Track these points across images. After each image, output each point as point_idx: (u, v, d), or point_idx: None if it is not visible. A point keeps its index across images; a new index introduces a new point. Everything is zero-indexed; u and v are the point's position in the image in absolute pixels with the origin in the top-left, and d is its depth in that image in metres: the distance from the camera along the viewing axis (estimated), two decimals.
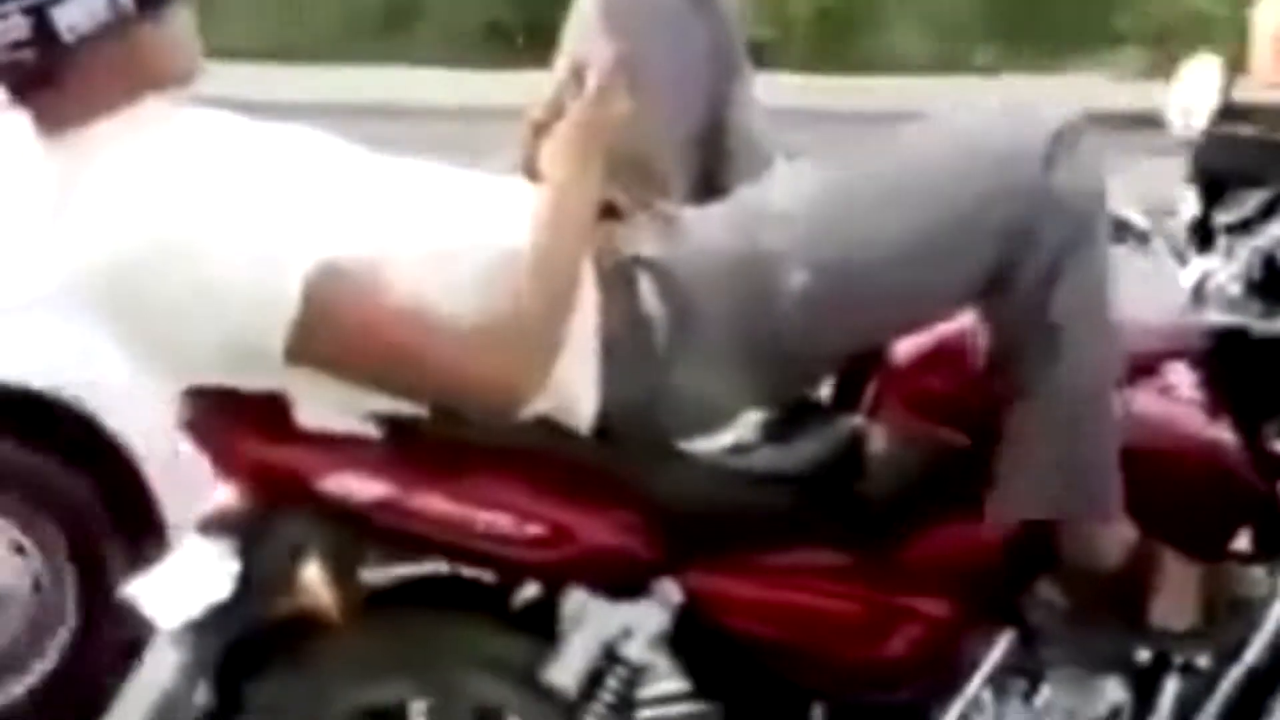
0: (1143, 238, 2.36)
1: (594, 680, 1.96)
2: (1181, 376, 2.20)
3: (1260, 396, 2.26)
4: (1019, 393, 2.01)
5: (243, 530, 1.87)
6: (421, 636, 1.98)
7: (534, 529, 1.90)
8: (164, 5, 1.80)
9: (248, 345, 1.72)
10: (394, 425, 1.86)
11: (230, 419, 1.85)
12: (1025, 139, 1.95)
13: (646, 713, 2.08)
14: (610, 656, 1.96)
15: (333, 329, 1.73)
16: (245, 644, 1.89)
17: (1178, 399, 2.19)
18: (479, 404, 1.80)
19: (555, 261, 1.82)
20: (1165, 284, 2.34)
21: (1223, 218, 2.34)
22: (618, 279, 1.90)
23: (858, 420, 2.14)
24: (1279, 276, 2.23)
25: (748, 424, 2.12)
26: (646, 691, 2.08)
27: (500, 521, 1.89)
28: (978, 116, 2.14)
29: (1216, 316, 2.25)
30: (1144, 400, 2.15)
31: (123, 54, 1.79)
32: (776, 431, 2.13)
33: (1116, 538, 2.10)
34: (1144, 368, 2.17)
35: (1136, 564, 2.12)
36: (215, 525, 1.88)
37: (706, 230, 1.96)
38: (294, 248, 1.71)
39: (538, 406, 1.85)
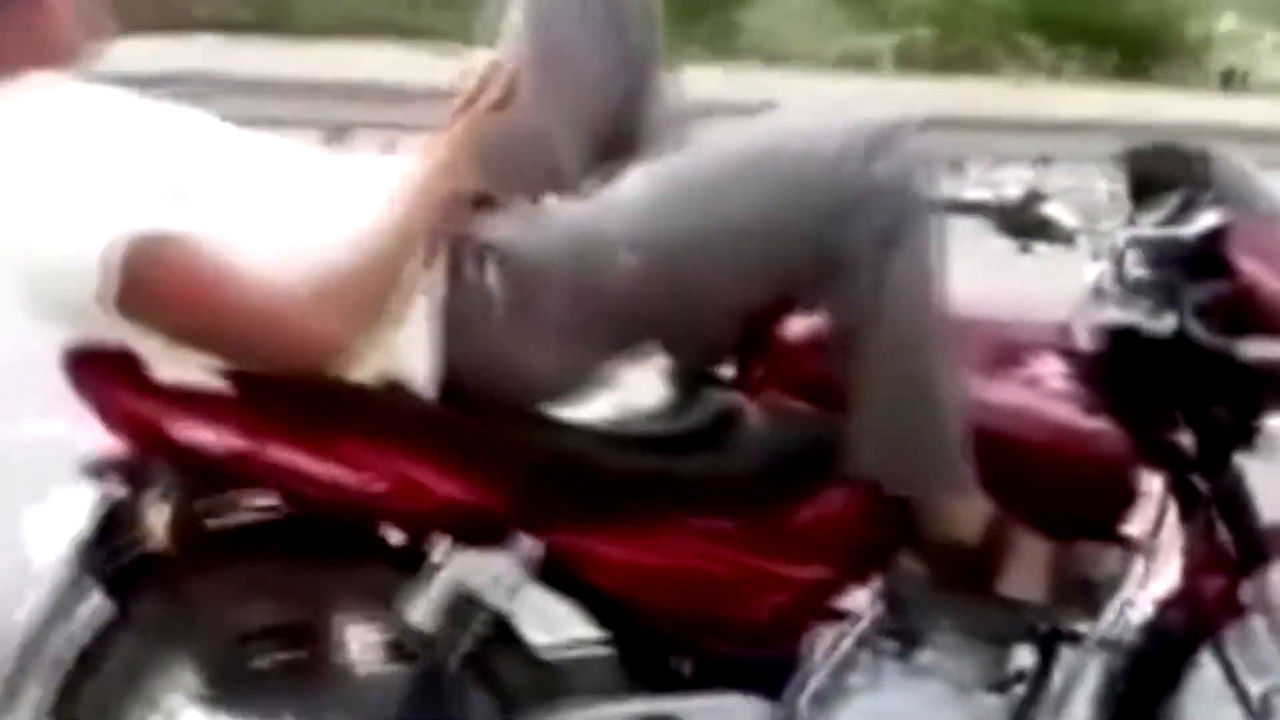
0: (1068, 238, 2.36)
1: (455, 622, 2.08)
2: (1050, 368, 2.23)
3: (1153, 391, 2.27)
4: (855, 374, 2.06)
5: (118, 475, 2.04)
6: (297, 569, 2.12)
7: (377, 484, 2.02)
8: None
9: (68, 306, 1.87)
10: (248, 381, 2.00)
11: (104, 371, 2.01)
12: (851, 135, 2.00)
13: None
14: (469, 601, 2.08)
15: (151, 293, 1.86)
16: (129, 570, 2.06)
17: (1043, 389, 2.22)
18: (292, 363, 1.92)
19: (391, 235, 1.93)
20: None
21: (1144, 220, 2.34)
22: (468, 259, 2.00)
23: (737, 396, 2.21)
24: (1163, 276, 2.23)
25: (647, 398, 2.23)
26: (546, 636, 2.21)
27: (342, 476, 2.01)
28: (811, 114, 2.18)
29: (1110, 315, 2.26)
30: (1009, 388, 2.21)
31: (10, 30, 1.95)
32: (665, 405, 2.23)
33: (970, 512, 2.14)
34: (1013, 358, 2.23)
35: (991, 538, 2.15)
36: (94, 469, 2.05)
37: (560, 217, 2.04)
38: (118, 216, 1.84)
39: (370, 368, 1.96)
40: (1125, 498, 2.24)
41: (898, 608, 2.22)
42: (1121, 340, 2.24)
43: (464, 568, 2.07)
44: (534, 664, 2.17)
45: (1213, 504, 2.34)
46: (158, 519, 1.97)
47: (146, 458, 2.03)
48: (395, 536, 2.13)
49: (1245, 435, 2.30)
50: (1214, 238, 2.21)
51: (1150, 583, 2.35)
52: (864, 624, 2.21)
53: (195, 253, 1.88)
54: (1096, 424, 2.20)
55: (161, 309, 1.88)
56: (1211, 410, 2.28)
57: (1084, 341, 2.26)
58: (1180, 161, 2.30)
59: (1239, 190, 2.26)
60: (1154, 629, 2.38)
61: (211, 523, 2.04)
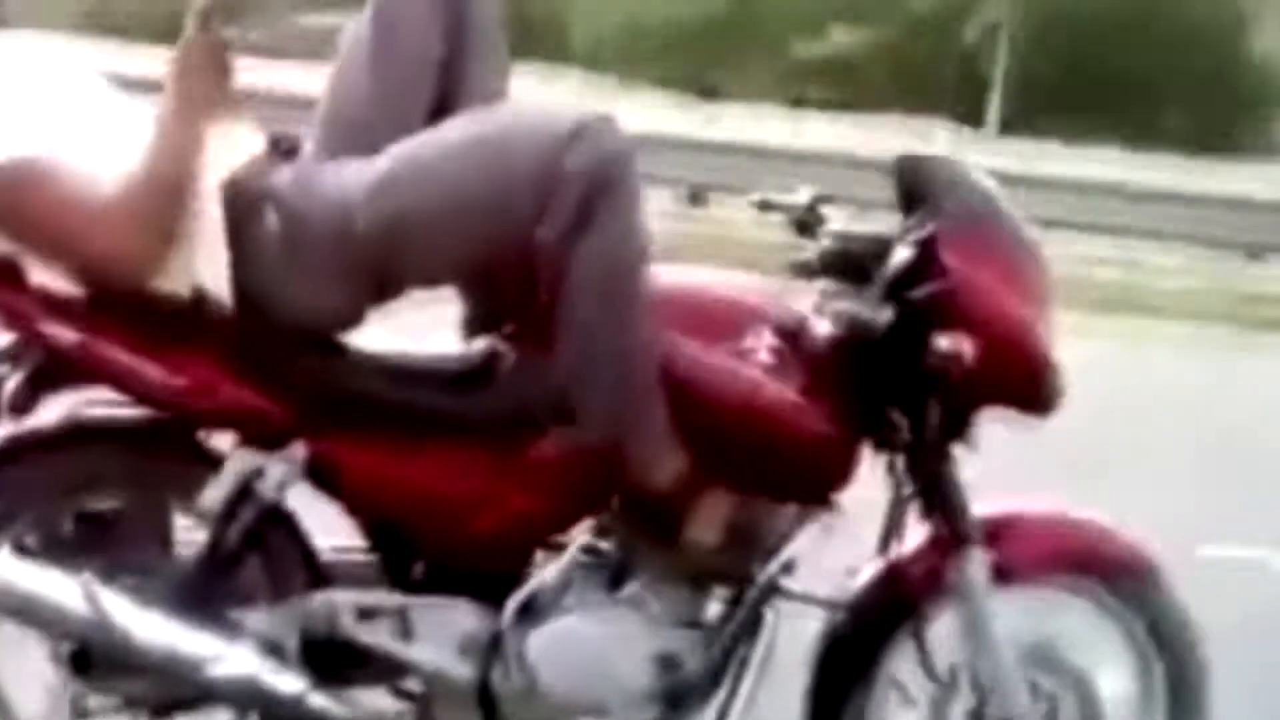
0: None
1: (234, 509, 2.58)
2: (764, 342, 2.59)
3: (874, 380, 2.64)
4: (562, 333, 2.49)
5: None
6: (124, 462, 2.65)
7: (178, 381, 2.53)
8: None
9: None
10: (98, 292, 2.53)
11: None
12: (552, 126, 2.44)
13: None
14: (246, 492, 2.57)
15: (11, 207, 2.43)
16: None
17: (748, 359, 2.58)
18: (107, 273, 2.46)
19: (157, 159, 2.41)
20: None
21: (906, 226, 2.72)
22: (250, 198, 2.51)
23: (503, 345, 2.67)
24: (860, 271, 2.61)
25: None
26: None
27: (154, 373, 2.52)
28: (530, 106, 2.62)
29: (839, 306, 2.64)
30: (717, 355, 2.58)
31: None
32: (444, 348, 2.70)
33: (665, 463, 2.54)
34: (733, 331, 2.60)
35: (681, 487, 2.56)
36: None
37: (330, 175, 2.54)
38: None
39: (179, 283, 2.49)
40: (821, 467, 2.60)
41: (608, 544, 2.63)
42: (850, 330, 2.60)
43: (244, 463, 2.57)
44: (301, 550, 2.65)
45: (924, 487, 2.69)
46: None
47: (23, 345, 2.58)
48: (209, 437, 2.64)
49: (957, 426, 2.66)
50: (929, 241, 2.59)
51: (877, 553, 2.72)
52: (576, 554, 2.62)
53: (41, 178, 2.43)
54: (789, 396, 2.56)
55: (5, 223, 2.45)
56: (925, 401, 2.62)
57: (817, 326, 2.62)
58: (927, 170, 2.67)
59: (956, 195, 2.62)
60: (865, 597, 2.75)
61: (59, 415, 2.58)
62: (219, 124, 2.49)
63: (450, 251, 2.49)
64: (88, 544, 2.61)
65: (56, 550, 2.59)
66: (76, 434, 2.63)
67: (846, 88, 22.73)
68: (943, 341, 2.52)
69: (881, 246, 2.60)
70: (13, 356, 2.58)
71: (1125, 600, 2.77)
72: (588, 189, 2.42)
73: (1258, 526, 5.24)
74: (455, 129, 2.52)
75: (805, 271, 2.60)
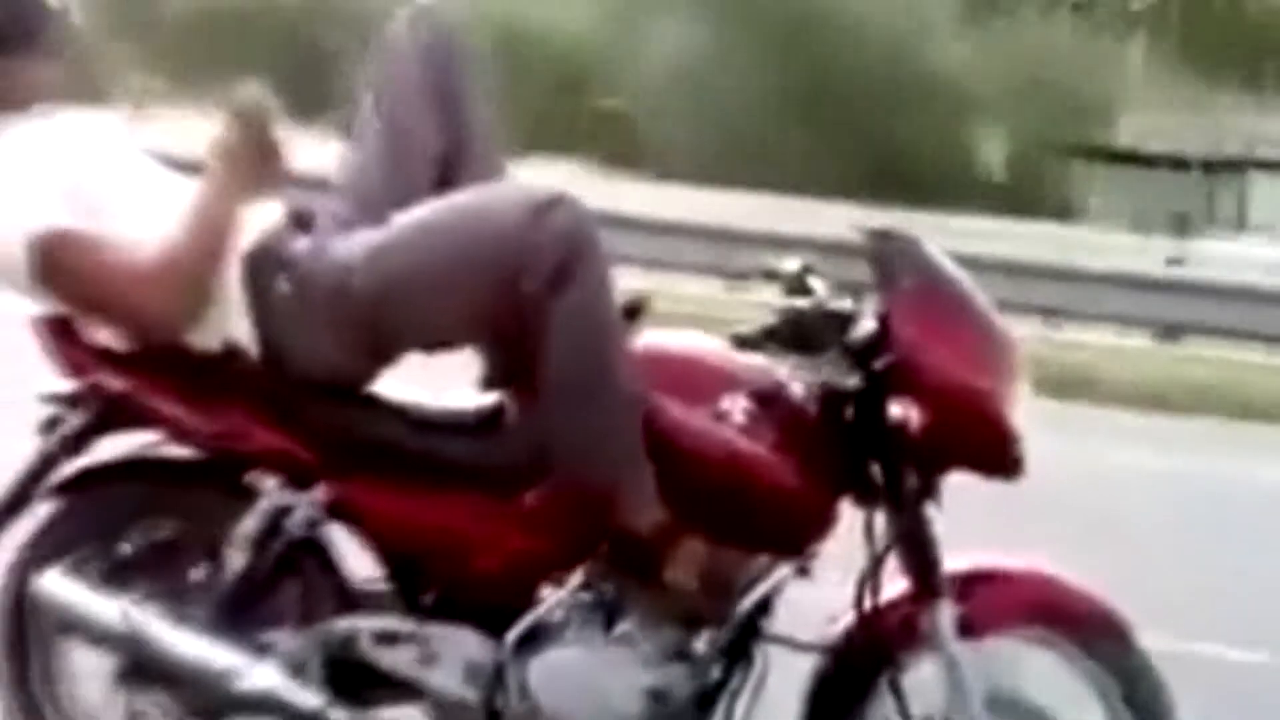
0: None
1: (265, 542, 2.87)
2: (737, 406, 2.80)
3: (849, 442, 2.84)
4: (545, 387, 2.74)
5: (64, 403, 2.93)
6: (174, 496, 2.96)
7: (215, 426, 2.84)
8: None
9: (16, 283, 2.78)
10: (145, 346, 2.85)
11: (55, 330, 2.90)
12: (530, 196, 2.70)
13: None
14: (275, 527, 2.86)
15: (54, 275, 2.75)
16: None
17: (727, 422, 2.80)
18: (145, 330, 2.77)
19: (194, 228, 2.72)
20: None
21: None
22: (265, 261, 2.80)
23: (506, 396, 2.93)
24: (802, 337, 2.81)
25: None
26: None
27: (193, 419, 2.83)
28: (509, 185, 2.87)
29: (813, 373, 2.84)
30: (697, 414, 2.81)
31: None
32: (456, 400, 2.97)
33: (646, 512, 2.77)
34: (706, 394, 2.82)
35: (662, 535, 2.78)
36: (50, 399, 2.94)
37: (338, 244, 2.82)
38: (35, 218, 2.74)
39: (211, 339, 2.80)
40: (793, 521, 2.81)
41: (603, 584, 2.87)
42: (823, 395, 2.82)
43: (273, 500, 2.86)
44: (332, 579, 2.93)
45: (899, 542, 2.86)
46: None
47: (82, 393, 2.92)
48: (253, 478, 2.94)
49: (927, 487, 2.84)
50: (886, 315, 2.79)
51: (857, 603, 2.91)
52: (572, 593, 2.86)
53: (79, 245, 2.75)
54: (763, 453, 2.77)
55: (59, 287, 2.78)
56: (897, 463, 2.82)
57: (793, 390, 2.83)
58: (891, 247, 2.87)
59: (916, 271, 2.81)
60: (842, 644, 2.94)
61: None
62: (257, 199, 2.80)
63: (439, 314, 2.76)
64: (142, 568, 2.92)
65: (116, 573, 2.91)
66: (134, 469, 2.95)
67: None
68: (893, 409, 2.71)
69: (835, 319, 2.80)
70: (71, 402, 2.91)
71: (1098, 658, 2.91)
72: (561, 254, 2.66)
73: None
74: (444, 203, 2.79)
75: (745, 344, 2.80)
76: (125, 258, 2.74)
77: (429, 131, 2.93)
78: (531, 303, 2.68)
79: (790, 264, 2.97)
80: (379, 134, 2.92)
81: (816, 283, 2.95)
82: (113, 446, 2.97)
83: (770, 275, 3.02)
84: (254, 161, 2.76)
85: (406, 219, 2.77)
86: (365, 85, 2.98)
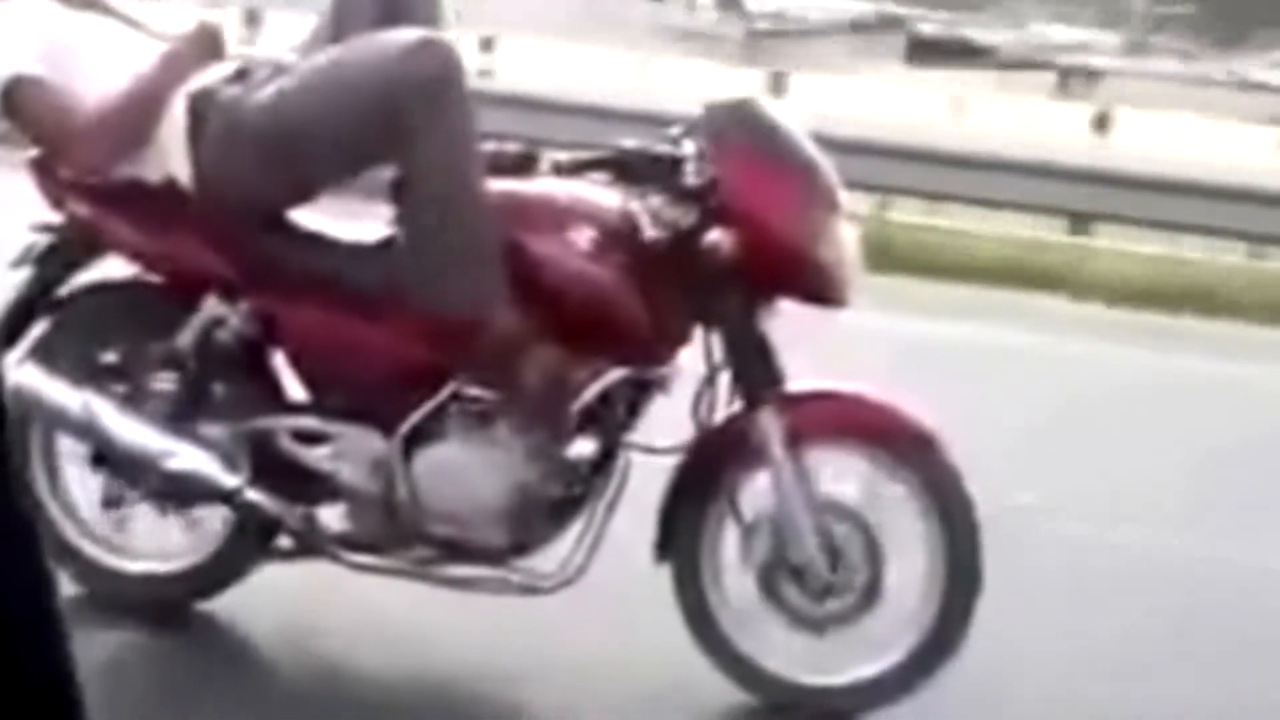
0: None
1: (201, 349, 3.40)
2: (583, 236, 3.25)
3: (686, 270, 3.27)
4: (407, 218, 3.21)
5: (47, 231, 3.51)
6: (138, 313, 3.52)
7: (157, 249, 3.38)
8: None
9: None
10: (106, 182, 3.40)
11: (39, 166, 3.46)
12: (399, 42, 3.14)
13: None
14: (207, 338, 3.39)
15: (16, 115, 3.33)
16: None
17: (575, 250, 3.25)
18: (82, 169, 3.31)
19: (132, 94, 3.28)
20: None
21: None
22: (204, 105, 3.31)
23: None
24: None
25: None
26: None
27: (142, 243, 3.38)
28: (382, 35, 3.27)
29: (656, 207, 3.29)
30: (549, 245, 3.26)
31: None
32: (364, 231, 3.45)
33: (501, 320, 3.21)
34: (557, 228, 3.27)
35: (516, 342, 3.24)
36: (38, 228, 3.52)
37: (260, 91, 3.32)
38: (9, 64, 3.31)
39: (150, 172, 3.33)
40: (631, 332, 3.24)
41: (478, 390, 3.32)
42: (663, 227, 3.24)
43: (208, 312, 3.39)
44: (262, 385, 3.45)
45: (735, 362, 3.29)
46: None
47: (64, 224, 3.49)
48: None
49: (751, 309, 3.26)
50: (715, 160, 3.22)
51: (694, 415, 3.35)
52: (453, 397, 3.32)
53: (40, 92, 3.32)
54: (605, 273, 3.22)
55: (21, 125, 3.35)
56: (724, 287, 3.24)
57: (634, 223, 3.26)
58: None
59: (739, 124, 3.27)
60: (687, 451, 3.37)
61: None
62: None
63: (333, 146, 3.23)
64: (114, 374, 3.48)
65: (93, 376, 3.47)
66: (104, 289, 3.52)
67: None
68: (708, 235, 3.13)
69: (663, 161, 3.24)
70: (48, 230, 3.48)
71: (909, 466, 3.29)
72: (429, 90, 3.11)
73: None
74: (337, 49, 3.28)
75: (561, 170, 3.26)
76: (72, 106, 3.29)
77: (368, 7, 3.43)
78: (406, 134, 3.14)
79: None
80: (331, 7, 3.44)
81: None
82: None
83: None
84: (200, 60, 3.30)
85: (308, 64, 3.26)
86: None
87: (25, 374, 3.40)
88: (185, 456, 3.35)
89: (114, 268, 3.53)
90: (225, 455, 3.38)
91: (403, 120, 3.13)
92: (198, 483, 3.36)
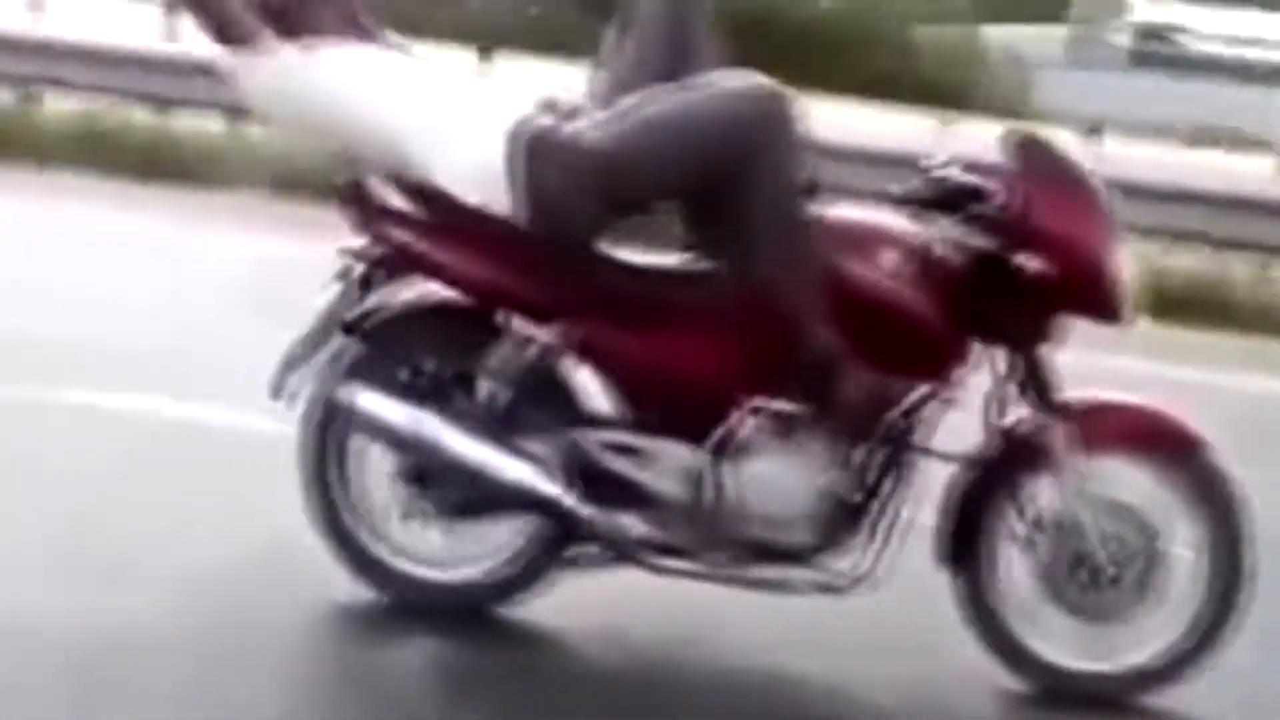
0: None
1: (508, 367, 3.64)
2: (891, 260, 3.57)
3: (980, 291, 3.59)
4: (746, 234, 3.50)
5: (362, 259, 3.72)
6: (447, 334, 3.75)
7: (475, 273, 3.61)
8: None
9: None
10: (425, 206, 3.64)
11: (351, 194, 3.68)
12: (738, 88, 3.45)
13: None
14: (517, 358, 3.62)
15: None
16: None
17: (883, 272, 3.56)
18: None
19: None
20: None
21: None
22: (537, 145, 3.54)
23: (700, 251, 3.67)
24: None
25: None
26: None
27: (462, 267, 3.62)
28: (714, 77, 3.56)
29: (947, 232, 3.60)
30: (861, 269, 3.56)
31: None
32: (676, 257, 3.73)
33: (823, 339, 3.50)
34: (868, 252, 3.58)
35: (834, 360, 3.52)
36: (352, 255, 3.73)
37: (588, 131, 3.57)
38: None
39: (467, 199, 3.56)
40: (931, 351, 3.56)
41: (784, 402, 3.60)
42: (965, 252, 3.57)
43: (519, 336, 3.62)
44: (571, 401, 3.69)
45: (1022, 376, 3.63)
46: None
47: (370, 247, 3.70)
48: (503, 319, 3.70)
49: (1045, 325, 3.60)
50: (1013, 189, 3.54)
51: (984, 422, 3.66)
52: (761, 409, 3.59)
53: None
54: (912, 296, 3.53)
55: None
56: (1020, 306, 3.56)
57: (939, 248, 3.58)
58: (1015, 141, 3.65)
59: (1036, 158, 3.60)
60: (975, 457, 3.67)
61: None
62: None
63: (662, 181, 3.52)
64: (416, 392, 3.70)
65: (400, 394, 3.69)
66: (415, 312, 3.74)
67: None
68: (1020, 259, 3.45)
69: (966, 190, 3.57)
70: (360, 255, 3.70)
71: (1181, 467, 3.63)
72: (759, 140, 3.43)
73: None
74: (669, 94, 3.54)
75: (896, 202, 3.60)
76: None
77: (661, 57, 3.69)
78: (746, 169, 3.43)
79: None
80: (627, 56, 3.71)
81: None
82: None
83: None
84: None
85: (650, 105, 3.51)
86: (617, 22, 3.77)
87: (351, 391, 3.62)
88: (513, 468, 3.59)
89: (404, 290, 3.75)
90: (545, 467, 3.62)
91: (744, 155, 3.42)
92: (524, 493, 3.60)
